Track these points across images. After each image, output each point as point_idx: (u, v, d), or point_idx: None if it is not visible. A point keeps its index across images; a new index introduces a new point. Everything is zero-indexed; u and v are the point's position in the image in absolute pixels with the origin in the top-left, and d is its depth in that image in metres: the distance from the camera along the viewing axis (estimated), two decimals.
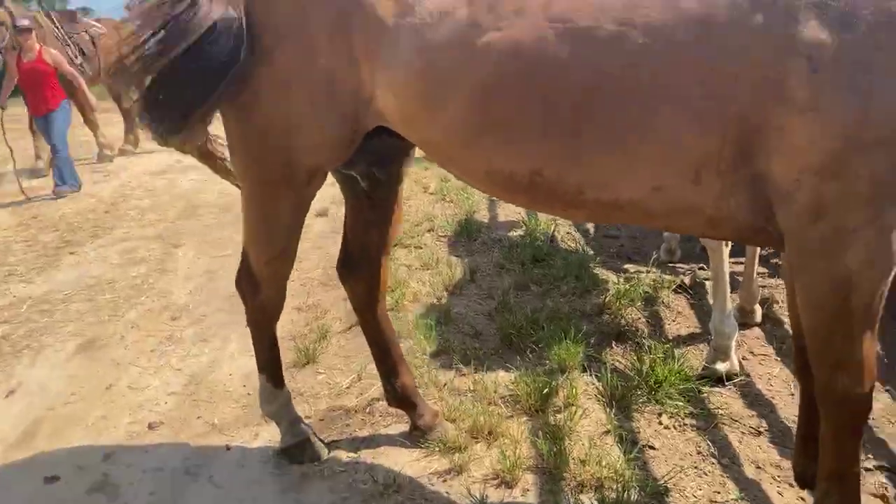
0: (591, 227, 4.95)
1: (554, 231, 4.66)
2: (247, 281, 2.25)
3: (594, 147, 1.56)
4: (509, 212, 5.54)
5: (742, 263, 3.34)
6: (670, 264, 4.09)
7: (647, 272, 3.86)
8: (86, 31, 9.12)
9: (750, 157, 1.45)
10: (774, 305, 3.47)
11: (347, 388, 2.92)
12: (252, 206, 2.10)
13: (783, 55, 1.35)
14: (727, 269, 2.90)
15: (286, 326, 3.34)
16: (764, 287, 3.56)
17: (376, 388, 2.77)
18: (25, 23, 7.26)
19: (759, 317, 3.32)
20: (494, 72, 1.59)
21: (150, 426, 2.75)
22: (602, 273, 3.95)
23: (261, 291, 2.23)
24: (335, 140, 1.89)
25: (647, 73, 1.46)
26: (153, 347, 3.49)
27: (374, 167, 2.11)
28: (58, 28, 8.71)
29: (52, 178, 7.14)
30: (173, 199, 6.80)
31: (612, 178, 1.58)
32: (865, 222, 1.38)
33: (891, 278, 1.45)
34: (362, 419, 2.70)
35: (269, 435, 2.60)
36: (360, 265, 2.39)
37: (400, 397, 2.50)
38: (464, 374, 2.93)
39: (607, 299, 3.50)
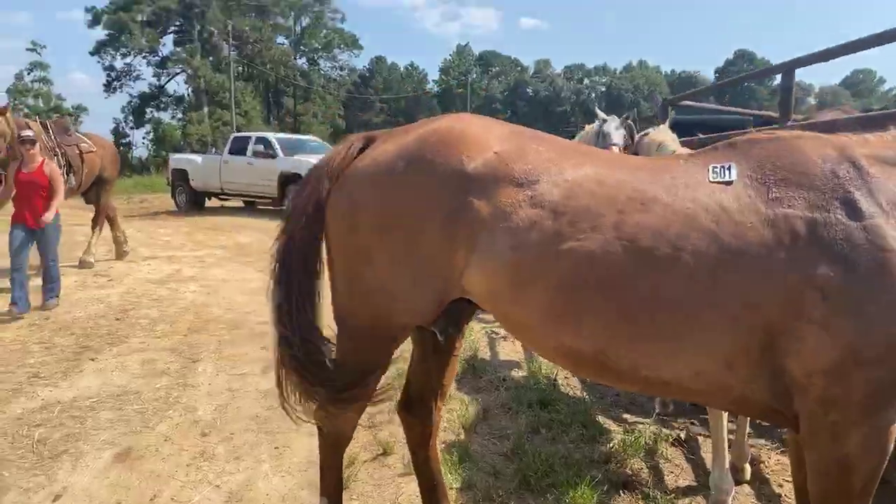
0: None
1: (556, 375, 5.04)
2: (325, 410, 2.57)
3: (648, 338, 1.99)
4: (509, 351, 5.93)
5: (734, 422, 3.74)
6: (664, 417, 4.47)
7: (647, 425, 4.23)
8: (76, 145, 9.39)
9: (773, 354, 1.89)
10: (761, 465, 3.84)
11: None
12: (346, 350, 2.46)
13: (802, 285, 1.83)
14: (725, 430, 3.30)
15: (314, 451, 3.60)
16: (752, 447, 3.94)
17: None
18: (30, 134, 7.32)
19: (748, 475, 3.69)
20: (571, 272, 2.03)
21: None
22: (605, 421, 4.31)
23: (337, 420, 2.55)
24: (427, 307, 2.30)
25: (694, 285, 1.92)
26: (188, 462, 3.70)
27: (450, 326, 2.51)
28: (51, 138, 8.98)
29: (43, 290, 7.08)
30: (181, 312, 7.09)
31: (661, 362, 2.00)
32: (862, 419, 1.81)
33: (884, 464, 1.87)
34: None
35: None
36: (419, 407, 2.74)
37: None
38: None
39: (613, 448, 3.85)
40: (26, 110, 43.18)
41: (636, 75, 69.99)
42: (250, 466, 3.66)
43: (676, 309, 1.94)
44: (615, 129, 5.96)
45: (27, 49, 46.59)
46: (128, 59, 50.39)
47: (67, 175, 8.92)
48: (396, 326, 2.38)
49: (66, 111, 46.12)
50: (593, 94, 70.61)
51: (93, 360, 5.41)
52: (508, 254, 2.10)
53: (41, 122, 9.35)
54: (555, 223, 2.07)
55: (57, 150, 8.90)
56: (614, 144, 5.80)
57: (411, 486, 3.31)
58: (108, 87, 50.83)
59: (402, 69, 70.06)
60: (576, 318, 2.05)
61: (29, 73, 45.16)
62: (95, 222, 10.19)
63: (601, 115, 6.20)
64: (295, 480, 3.50)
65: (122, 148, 49.02)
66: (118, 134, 50.29)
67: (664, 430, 4.18)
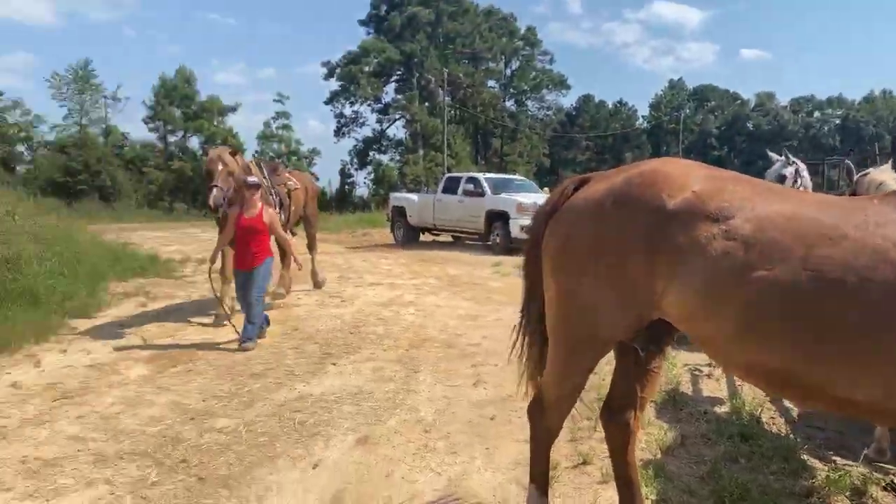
0: (795, 414, 5.25)
1: (760, 413, 5.04)
2: (537, 407, 3.03)
3: (835, 358, 2.19)
4: (712, 388, 5.96)
5: None
6: (878, 462, 4.31)
7: (856, 466, 4.13)
8: (284, 184, 9.73)
9: None
10: None
11: None
12: (557, 357, 2.90)
13: None
14: None
15: (521, 454, 4.05)
16: None
17: None
18: (254, 180, 7.51)
19: None
20: (759, 296, 2.29)
21: None
22: (809, 459, 4.28)
23: (546, 417, 3.00)
24: (628, 325, 2.67)
25: (881, 311, 2.11)
26: (414, 451, 4.33)
27: (650, 344, 2.86)
28: (265, 178, 9.07)
29: (240, 332, 7.03)
30: (402, 330, 7.96)
31: (850, 382, 2.19)
32: None
33: None
34: None
35: None
36: (620, 415, 3.09)
37: None
38: None
39: (816, 483, 3.84)
40: (272, 154, 49.54)
41: (878, 106, 63.31)
42: (465, 461, 4.20)
43: (864, 333, 2.13)
44: (782, 169, 6.58)
45: (274, 100, 53.64)
46: (355, 107, 55.86)
47: (279, 212, 8.98)
48: (601, 340, 2.78)
49: (304, 154, 52.16)
50: (826, 128, 65.00)
51: (334, 364, 6.37)
52: (703, 280, 2.41)
53: (257, 161, 9.70)
54: (746, 254, 2.35)
55: (270, 190, 9.06)
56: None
57: (609, 493, 3.63)
58: (338, 133, 56.60)
59: (609, 106, 69.88)
60: (763, 337, 2.31)
61: (275, 122, 51.80)
62: (310, 248, 11.17)
63: (773, 156, 6.88)
64: (504, 476, 3.97)
65: (346, 187, 54.24)
66: (344, 174, 55.65)
67: (875, 473, 4.06)
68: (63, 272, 9.52)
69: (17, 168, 41.29)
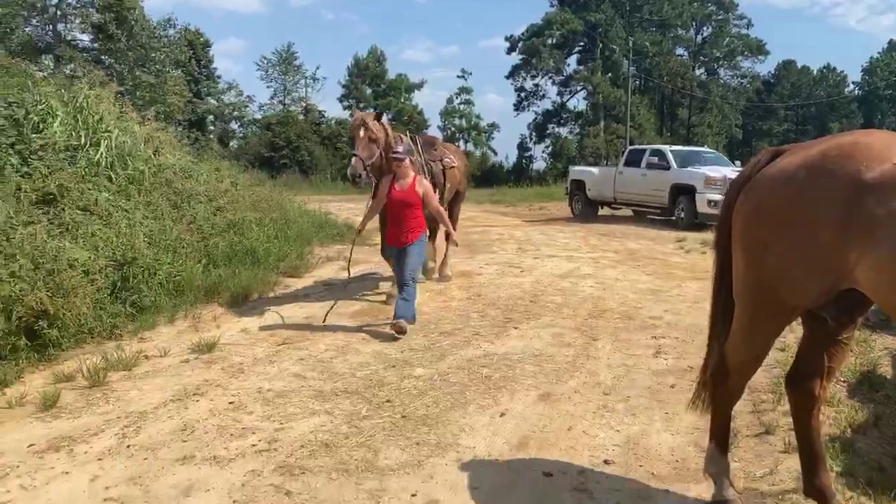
0: None
1: None
2: (720, 372, 3.17)
3: None
4: None
5: None
6: None
7: None
8: (440, 160, 8.81)
9: None
10: None
11: (761, 477, 3.60)
12: (743, 323, 3.01)
13: None
14: None
15: (700, 421, 4.15)
16: None
17: (789, 483, 3.42)
18: (399, 151, 7.03)
19: None
20: None
21: (606, 462, 3.79)
22: None
23: (729, 380, 3.13)
24: (816, 293, 2.72)
25: None
26: (593, 410, 4.59)
27: (842, 313, 2.88)
28: (419, 153, 8.33)
29: (395, 306, 6.60)
30: (581, 301, 8.15)
31: None
32: None
33: None
34: (775, 503, 3.36)
35: (698, 491, 3.42)
36: (805, 383, 3.13)
37: (817, 491, 3.12)
38: (871, 498, 3.39)
39: None
40: (453, 129, 51.00)
41: None
42: (644, 422, 4.38)
43: None
44: None
45: (457, 76, 55.12)
46: (536, 80, 55.75)
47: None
48: (787, 307, 2.85)
49: (483, 129, 53.16)
50: None
51: (516, 328, 6.76)
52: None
53: (410, 136, 8.66)
54: None
55: (424, 166, 8.21)
56: None
57: (790, 462, 3.66)
58: (518, 107, 56.88)
59: (814, 72, 63.57)
60: None
61: (457, 97, 53.21)
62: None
63: None
64: (683, 439, 4.12)
65: (523, 161, 54.56)
66: (522, 148, 56.01)
67: None
68: (276, 236, 10.80)
69: (231, 143, 46.25)
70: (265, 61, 49.63)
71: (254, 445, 4.02)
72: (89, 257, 6.47)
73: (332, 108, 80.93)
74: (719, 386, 3.20)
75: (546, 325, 6.90)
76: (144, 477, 3.60)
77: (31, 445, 3.98)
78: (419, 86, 51.85)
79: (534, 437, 4.13)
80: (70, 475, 3.62)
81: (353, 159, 7.12)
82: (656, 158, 18.01)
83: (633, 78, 48.10)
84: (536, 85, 55.97)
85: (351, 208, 20.90)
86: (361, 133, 7.11)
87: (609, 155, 44.70)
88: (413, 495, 3.44)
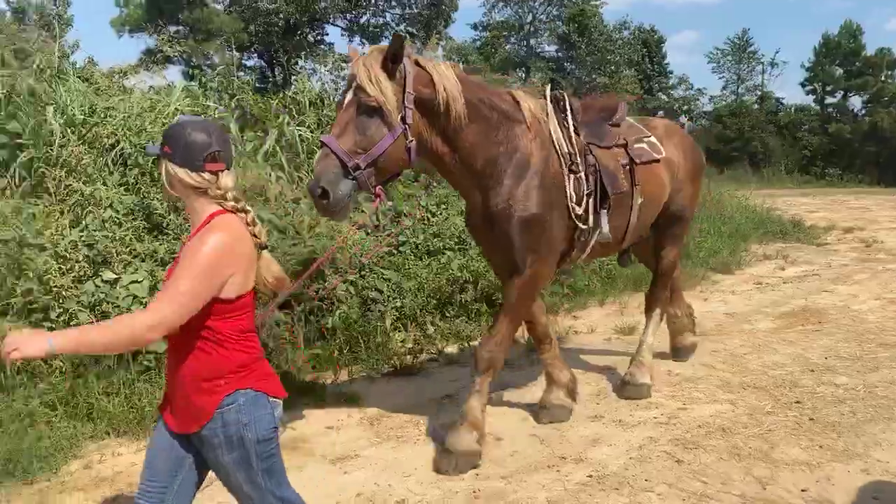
0: None
1: None
2: None
3: None
4: None
5: None
6: None
7: None
8: (623, 144, 4.00)
9: None
10: None
11: None
12: None
13: None
14: None
15: None
16: None
17: None
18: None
19: None
20: None
21: None
22: None
23: None
24: None
25: None
26: None
27: None
28: (563, 123, 4.18)
29: None
30: None
31: None
32: None
33: None
34: None
35: None
36: None
37: None
38: None
39: None
40: None
41: None
42: None
43: None
44: None
45: None
46: None
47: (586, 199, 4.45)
48: None
49: None
50: None
51: None
52: None
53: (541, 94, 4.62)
54: None
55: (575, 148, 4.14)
56: None
57: None
58: None
59: None
60: None
61: None
62: (657, 292, 5.19)
63: None
64: None
65: None
66: None
67: None
68: (709, 231, 10.84)
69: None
70: (717, 52, 48.21)
71: (655, 418, 4.47)
72: None
73: (793, 95, 73.84)
74: None
75: None
76: (562, 426, 4.38)
77: None
78: None
79: None
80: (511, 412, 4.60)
81: None
82: None
83: None
84: None
85: (804, 203, 19.27)
86: None
87: None
88: (804, 490, 3.47)
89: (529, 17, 38.77)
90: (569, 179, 3.85)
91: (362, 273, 5.73)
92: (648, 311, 5.13)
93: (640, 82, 39.95)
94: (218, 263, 2.04)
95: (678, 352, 5.61)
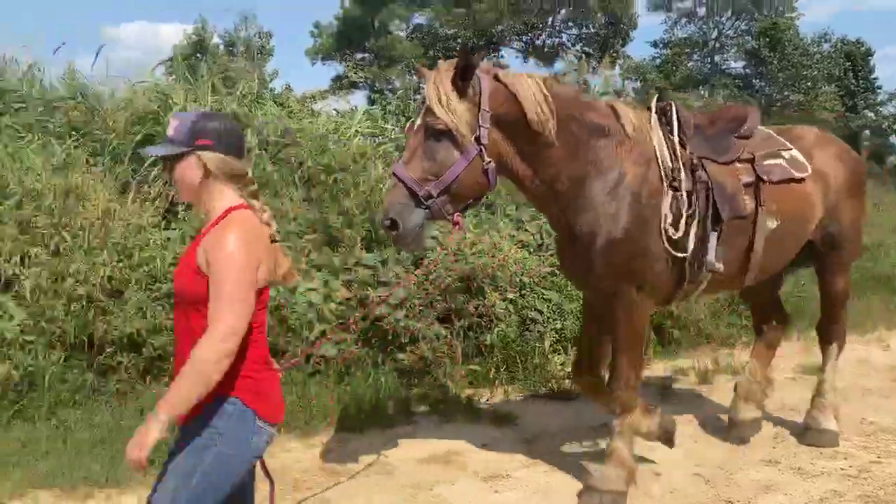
0: None
1: None
2: None
3: None
4: None
5: None
6: None
7: None
8: (751, 161, 4.18)
9: None
10: None
11: None
12: None
13: None
14: None
15: None
16: None
17: None
18: None
19: None
20: None
21: None
22: None
23: None
24: None
25: None
26: None
27: None
28: (668, 137, 4.13)
29: None
30: None
31: None
32: None
33: None
34: None
35: None
36: None
37: None
38: None
39: None
40: None
41: None
42: None
43: None
44: None
45: None
46: None
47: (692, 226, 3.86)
48: None
49: None
50: None
51: None
52: None
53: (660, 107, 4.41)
54: None
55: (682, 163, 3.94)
56: None
57: None
58: None
59: None
60: None
61: None
62: (829, 331, 4.54)
63: None
64: None
65: None
66: None
67: None
68: None
69: (890, 159, 41.37)
70: None
71: (842, 469, 4.00)
72: None
73: None
74: None
75: None
76: (730, 466, 4.05)
77: None
78: None
79: None
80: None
81: None
82: None
83: None
84: None
85: None
86: None
87: None
88: None
89: (715, 33, 36.93)
90: (666, 197, 3.37)
91: (522, 292, 5.70)
92: (825, 343, 4.46)
93: (841, 99, 36.45)
94: (248, 254, 2.01)
95: (732, 426, 4.48)
